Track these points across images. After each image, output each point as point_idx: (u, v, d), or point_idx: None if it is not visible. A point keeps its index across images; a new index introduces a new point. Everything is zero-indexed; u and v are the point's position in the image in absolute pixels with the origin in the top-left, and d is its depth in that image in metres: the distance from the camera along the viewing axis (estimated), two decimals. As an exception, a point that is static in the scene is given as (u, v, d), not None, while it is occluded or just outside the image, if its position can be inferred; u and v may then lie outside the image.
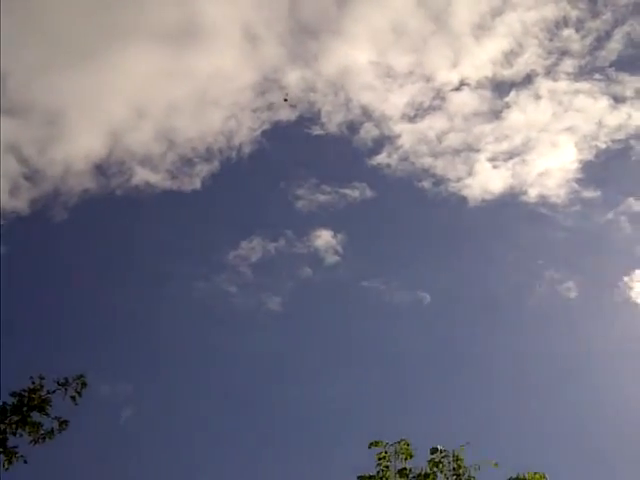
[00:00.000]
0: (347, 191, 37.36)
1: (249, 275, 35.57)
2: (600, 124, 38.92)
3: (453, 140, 39.50)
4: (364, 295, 36.02)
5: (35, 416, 12.84)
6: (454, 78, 39.94)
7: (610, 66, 39.48)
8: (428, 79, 40.00)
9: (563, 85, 39.97)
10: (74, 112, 37.74)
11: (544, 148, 40.16)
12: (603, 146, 38.52)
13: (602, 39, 39.66)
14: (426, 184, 38.26)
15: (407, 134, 39.12)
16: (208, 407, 31.45)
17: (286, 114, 38.29)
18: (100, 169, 35.98)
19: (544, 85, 39.91)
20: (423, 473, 11.82)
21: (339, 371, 33.03)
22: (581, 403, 31.27)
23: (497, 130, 39.79)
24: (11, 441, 12.64)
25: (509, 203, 38.74)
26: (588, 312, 36.27)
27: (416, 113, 39.69)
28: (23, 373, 13.34)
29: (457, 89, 40.01)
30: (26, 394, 12.85)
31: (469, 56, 40.37)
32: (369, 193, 37.62)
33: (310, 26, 40.03)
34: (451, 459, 11.96)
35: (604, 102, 39.18)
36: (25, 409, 12.75)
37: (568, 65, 39.83)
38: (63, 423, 12.94)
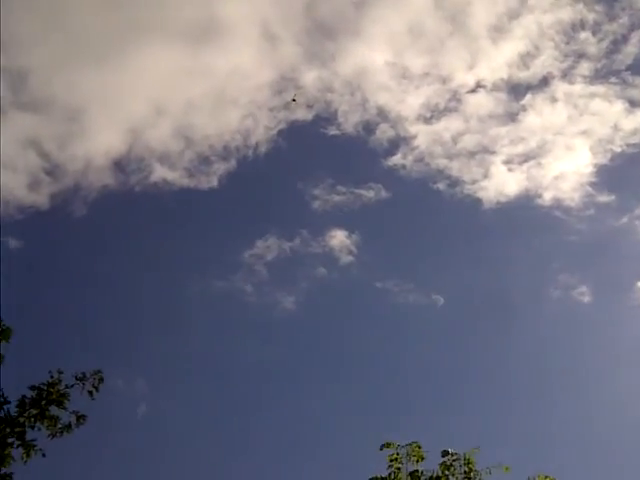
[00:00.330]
0: (362, 192, 37.42)
1: (264, 274, 35.72)
2: (616, 128, 38.76)
3: (469, 142, 39.45)
4: (378, 296, 36.08)
5: (53, 410, 13.04)
6: (470, 80, 39.85)
7: (626, 70, 39.28)
8: (444, 80, 39.96)
9: (579, 88, 39.83)
10: (94, 109, 38.03)
11: (559, 151, 40.03)
12: (618, 150, 38.36)
13: (619, 42, 39.45)
14: (441, 186, 38.25)
15: (423, 135, 39.11)
16: (222, 405, 31.67)
17: (303, 114, 38.41)
18: (119, 165, 36.22)
19: (560, 88, 39.77)
20: (434, 476, 11.89)
21: (351, 372, 33.16)
22: (595, 408, 31.23)
23: (513, 133, 39.69)
24: (29, 434, 12.86)
25: (524, 206, 38.62)
26: (602, 317, 36.18)
27: (432, 114, 39.65)
28: (41, 367, 13.57)
29: (473, 91, 39.92)
30: (45, 388, 13.05)
31: (485, 58, 40.26)
32: (384, 194, 37.65)
33: (327, 26, 40.11)
34: (462, 462, 12.03)
35: (620, 106, 39.01)
36: (44, 403, 12.94)
37: (584, 68, 39.69)
38: (81, 417, 13.14)
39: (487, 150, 39.21)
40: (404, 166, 38.13)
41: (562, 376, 33.05)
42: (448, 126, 39.29)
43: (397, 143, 38.49)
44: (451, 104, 39.64)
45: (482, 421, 29.97)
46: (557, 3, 39.82)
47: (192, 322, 34.39)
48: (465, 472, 11.97)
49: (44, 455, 12.79)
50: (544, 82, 39.68)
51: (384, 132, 38.56)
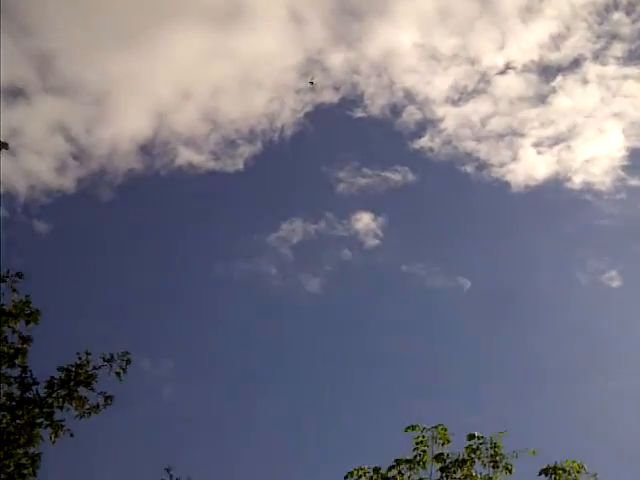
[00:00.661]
0: (389, 174, 37.16)
1: (289, 256, 35.71)
2: (649, 110, 38.09)
3: (497, 124, 38.95)
4: (404, 279, 35.93)
5: (81, 391, 13.19)
6: (500, 61, 39.28)
7: (661, 51, 38.53)
8: (473, 62, 39.44)
9: (611, 70, 39.09)
10: (121, 93, 38.11)
11: (590, 134, 39.40)
12: (651, 133, 37.70)
13: (653, 23, 38.70)
14: (469, 169, 37.86)
15: (450, 118, 38.68)
16: (246, 386, 31.83)
17: (329, 96, 38.19)
18: (145, 149, 36.31)
19: (592, 69, 39.08)
20: (460, 459, 11.86)
21: (375, 354, 33.12)
22: (625, 393, 30.92)
23: (542, 115, 39.11)
24: (57, 415, 13.02)
25: (553, 189, 38.11)
26: (632, 301, 35.74)
27: (460, 96, 39.20)
28: (70, 349, 13.69)
29: (502, 72, 39.38)
30: (73, 369, 13.19)
31: (515, 39, 39.63)
32: (411, 177, 37.36)
33: (354, 7, 39.73)
34: (488, 446, 11.97)
35: (653, 88, 38.30)
36: (72, 384, 13.09)
37: (617, 49, 38.92)
38: (108, 398, 13.28)
39: (516, 133, 38.73)
40: (431, 149, 37.82)
41: (590, 361, 32.78)
42: (477, 108, 38.83)
43: (424, 125, 38.15)
44: (480, 86, 39.16)
45: (509, 404, 29.82)
46: (590, -18, 39.12)
47: (217, 304, 34.58)
48: (491, 455, 11.91)
49: (72, 435, 12.97)
50: (575, 64, 39.03)
51: (411, 114, 38.23)
